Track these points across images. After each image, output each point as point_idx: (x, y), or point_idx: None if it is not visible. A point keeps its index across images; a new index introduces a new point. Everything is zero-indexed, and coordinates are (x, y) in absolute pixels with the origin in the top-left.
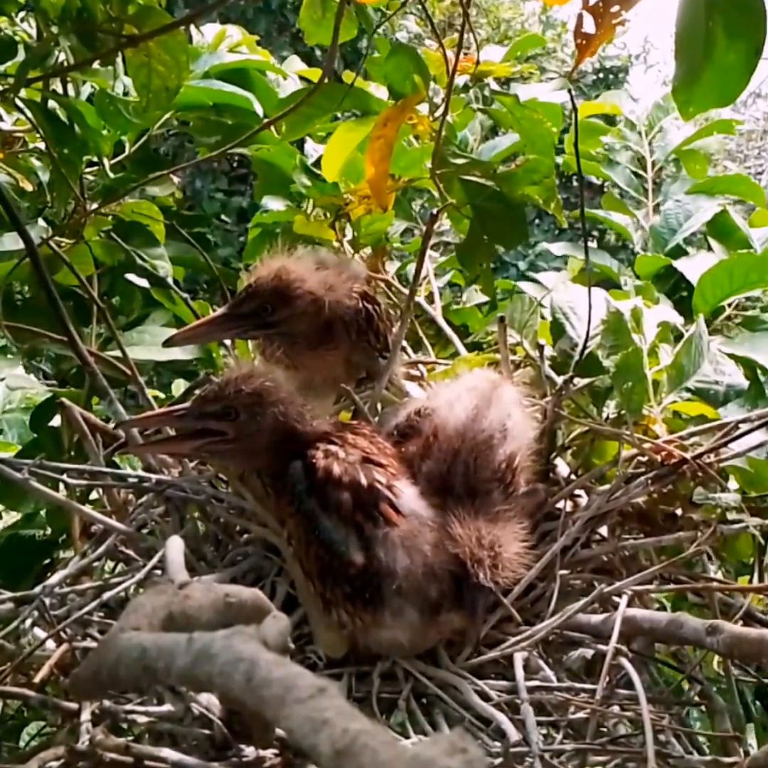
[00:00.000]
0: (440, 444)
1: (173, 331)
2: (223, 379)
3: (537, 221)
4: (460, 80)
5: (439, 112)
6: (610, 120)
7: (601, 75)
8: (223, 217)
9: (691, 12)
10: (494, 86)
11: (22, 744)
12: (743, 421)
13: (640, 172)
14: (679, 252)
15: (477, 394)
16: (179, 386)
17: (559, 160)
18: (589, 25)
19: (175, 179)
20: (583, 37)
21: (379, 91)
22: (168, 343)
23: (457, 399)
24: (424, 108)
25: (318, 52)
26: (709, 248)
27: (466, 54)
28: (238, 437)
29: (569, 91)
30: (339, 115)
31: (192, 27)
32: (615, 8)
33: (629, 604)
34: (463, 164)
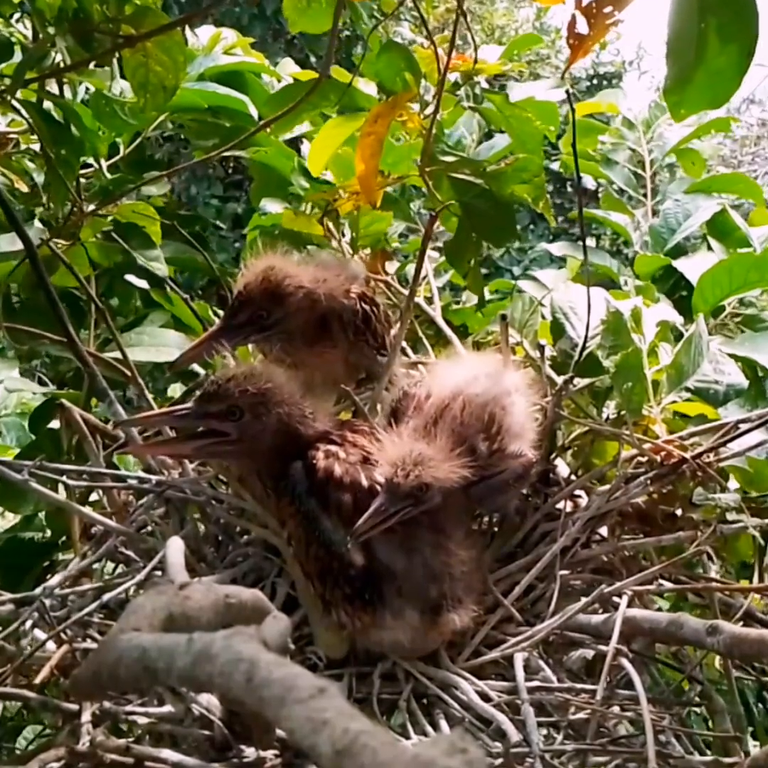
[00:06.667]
0: (432, 402)
1: (172, 332)
2: (223, 378)
3: (531, 226)
4: (451, 78)
5: (429, 110)
6: (604, 122)
7: (595, 81)
8: (218, 223)
9: (684, 13)
10: (485, 85)
11: (19, 746)
12: (743, 420)
13: (639, 171)
14: (678, 251)
15: (480, 368)
16: (175, 391)
17: (556, 164)
18: (581, 26)
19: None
20: (576, 37)
21: (367, 87)
22: (172, 367)
23: (459, 369)
24: (414, 105)
25: (312, 59)
26: (709, 247)
27: (459, 52)
28: (242, 438)
29: (567, 91)
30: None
31: (187, 29)
32: (608, 9)
33: (629, 605)
34: (452, 162)
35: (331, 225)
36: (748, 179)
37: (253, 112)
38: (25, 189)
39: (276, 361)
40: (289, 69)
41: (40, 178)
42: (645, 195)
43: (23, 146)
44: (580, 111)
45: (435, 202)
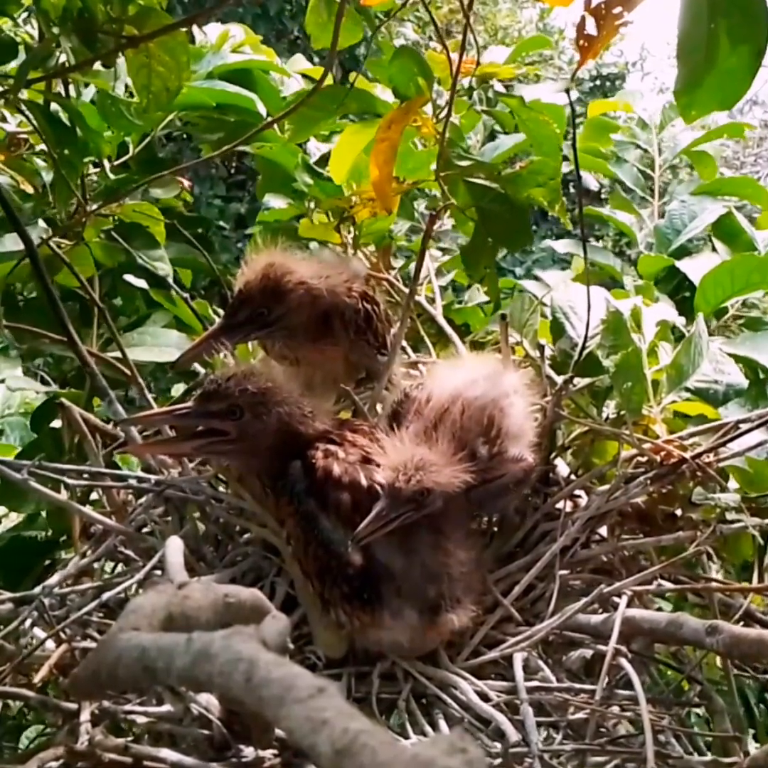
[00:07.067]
0: (432, 406)
1: (174, 332)
2: (223, 377)
3: (534, 227)
4: (464, 82)
5: (443, 114)
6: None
7: (598, 82)
8: (221, 223)
9: (694, 15)
10: (499, 88)
11: (21, 746)
12: (743, 420)
13: (648, 171)
14: (683, 253)
15: (478, 370)
16: (179, 391)
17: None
18: (591, 27)
19: (186, 183)
20: (586, 39)
21: (384, 93)
22: (174, 366)
23: (457, 372)
24: (429, 110)
25: (316, 60)
26: (713, 249)
27: (468, 55)
28: (241, 437)
29: (567, 91)
30: (342, 117)
31: (195, 28)
32: (617, 10)
33: (629, 605)
34: (467, 166)
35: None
36: (756, 184)
37: (262, 109)
38: (30, 189)
39: (278, 358)
40: (298, 66)
41: (49, 178)
42: (653, 195)
43: (36, 147)
44: (594, 110)
45: (443, 201)
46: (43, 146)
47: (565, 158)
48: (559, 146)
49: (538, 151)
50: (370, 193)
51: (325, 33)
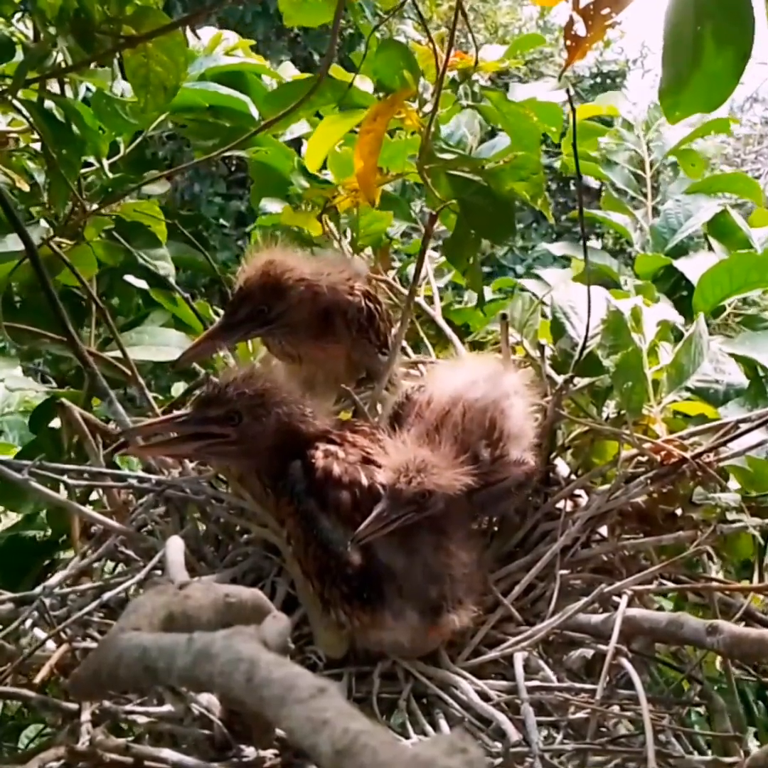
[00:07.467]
0: (433, 408)
1: (172, 331)
2: (223, 381)
3: (534, 225)
4: (450, 76)
5: (427, 108)
6: (606, 123)
7: (598, 79)
8: (221, 221)
9: (680, 17)
10: (483, 82)
11: (21, 745)
12: (743, 420)
13: (639, 172)
14: (679, 252)
15: (478, 372)
16: (178, 389)
17: (557, 162)
18: (579, 27)
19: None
20: (574, 38)
21: (363, 84)
22: (175, 365)
23: (458, 373)
24: (413, 103)
25: (316, 57)
26: (710, 248)
27: (462, 51)
28: (241, 439)
29: (567, 91)
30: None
31: (188, 31)
32: (605, 10)
33: (629, 604)
34: (450, 160)
35: (332, 225)
36: (747, 178)
37: (254, 112)
38: (26, 188)
39: (282, 356)
40: (289, 72)
41: (40, 178)
42: (645, 195)
43: (23, 145)
44: (580, 114)
45: (434, 199)
46: (32, 144)
47: (558, 154)
48: (539, 140)
49: (518, 146)
50: (353, 184)
51: (298, 12)
